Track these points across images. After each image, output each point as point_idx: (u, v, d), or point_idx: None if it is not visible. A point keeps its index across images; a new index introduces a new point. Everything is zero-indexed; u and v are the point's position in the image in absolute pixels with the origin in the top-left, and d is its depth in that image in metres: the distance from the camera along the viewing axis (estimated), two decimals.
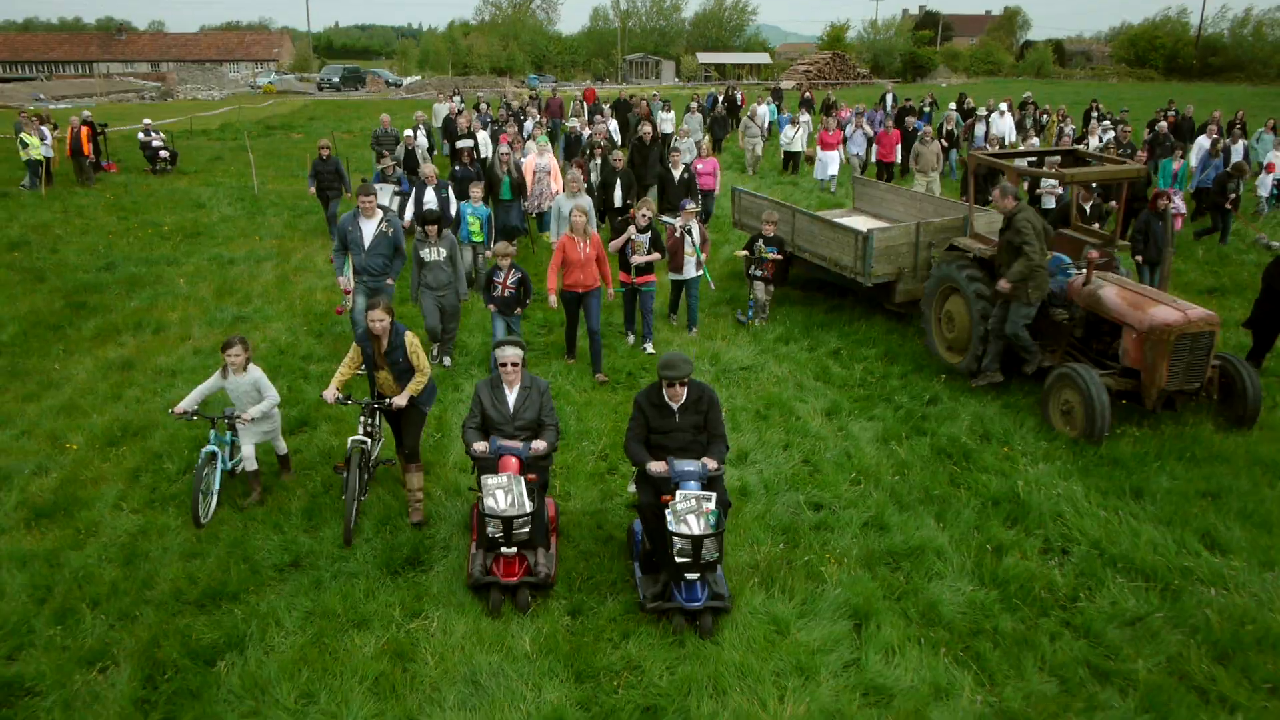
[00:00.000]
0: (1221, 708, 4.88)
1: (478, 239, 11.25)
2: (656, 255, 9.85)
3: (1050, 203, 12.55)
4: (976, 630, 5.53)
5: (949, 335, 9.42)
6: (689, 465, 5.63)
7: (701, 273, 10.44)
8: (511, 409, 6.03)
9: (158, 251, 14.41)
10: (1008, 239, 8.29)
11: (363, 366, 6.83)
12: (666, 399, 5.80)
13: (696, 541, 5.37)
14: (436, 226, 9.13)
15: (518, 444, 5.84)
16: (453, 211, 11.88)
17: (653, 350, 10.06)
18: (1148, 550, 6.17)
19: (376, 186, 13.55)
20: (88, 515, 6.80)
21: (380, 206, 9.23)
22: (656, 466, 5.66)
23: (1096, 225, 10.88)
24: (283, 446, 7.32)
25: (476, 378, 9.41)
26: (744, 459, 7.68)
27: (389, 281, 9.20)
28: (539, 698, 4.99)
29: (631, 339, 10.41)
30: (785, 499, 7.03)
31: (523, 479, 5.60)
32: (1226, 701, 4.91)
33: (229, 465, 7.07)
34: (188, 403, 6.81)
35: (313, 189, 14.84)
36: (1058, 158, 9.65)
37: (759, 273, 10.78)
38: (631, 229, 9.72)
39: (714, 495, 5.44)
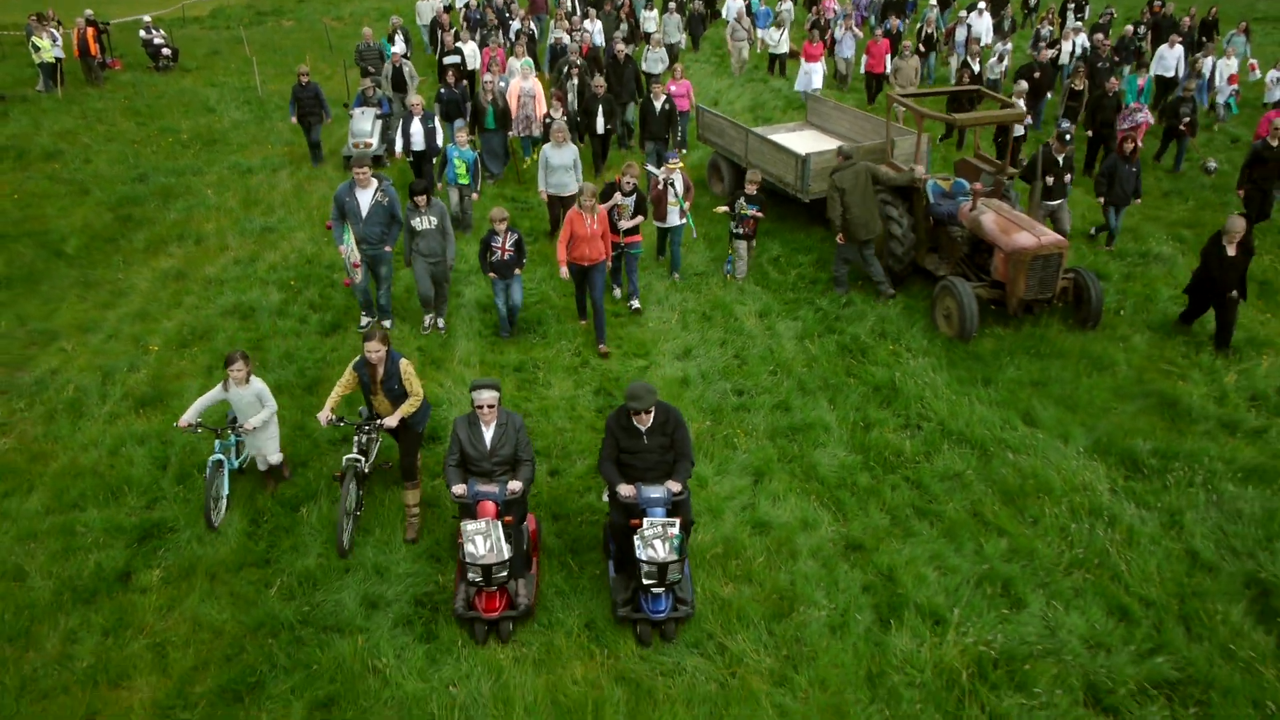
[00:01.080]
0: (996, 533, 7.07)
1: (464, 181, 12.09)
2: (641, 218, 10.29)
3: (1018, 130, 13.94)
4: (841, 484, 7.68)
5: None
6: (655, 492, 6.10)
7: (685, 221, 11.09)
8: (489, 446, 6.33)
9: (182, 161, 15.96)
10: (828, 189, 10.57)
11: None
12: (635, 423, 6.26)
13: (662, 566, 5.92)
14: (426, 197, 9.41)
15: (494, 488, 6.18)
16: (439, 141, 13.07)
17: (638, 305, 10.60)
18: (979, 425, 8.28)
19: (357, 111, 14.79)
20: (179, 404, 8.81)
21: (376, 177, 9.58)
22: (626, 490, 6.13)
23: (1069, 176, 11.50)
24: (277, 457, 7.56)
25: (471, 317, 11.27)
26: (688, 354, 9.70)
27: (387, 249, 9.66)
28: None
29: (618, 292, 10.96)
30: (716, 386, 9.09)
31: (500, 523, 5.96)
32: (1000, 529, 7.10)
33: (236, 465, 7.59)
34: (190, 415, 7.15)
35: (294, 117, 15.22)
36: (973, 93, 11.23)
37: (739, 230, 11.09)
38: (618, 194, 10.13)
39: (678, 521, 5.95)
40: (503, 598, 6.14)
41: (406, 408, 6.94)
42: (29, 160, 15.93)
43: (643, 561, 5.89)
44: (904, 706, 5.66)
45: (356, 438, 7.23)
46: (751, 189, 10.93)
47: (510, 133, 14.30)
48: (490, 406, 6.28)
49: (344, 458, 7.05)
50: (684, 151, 10.93)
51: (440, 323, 10.19)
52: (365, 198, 9.44)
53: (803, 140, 13.53)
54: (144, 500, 7.51)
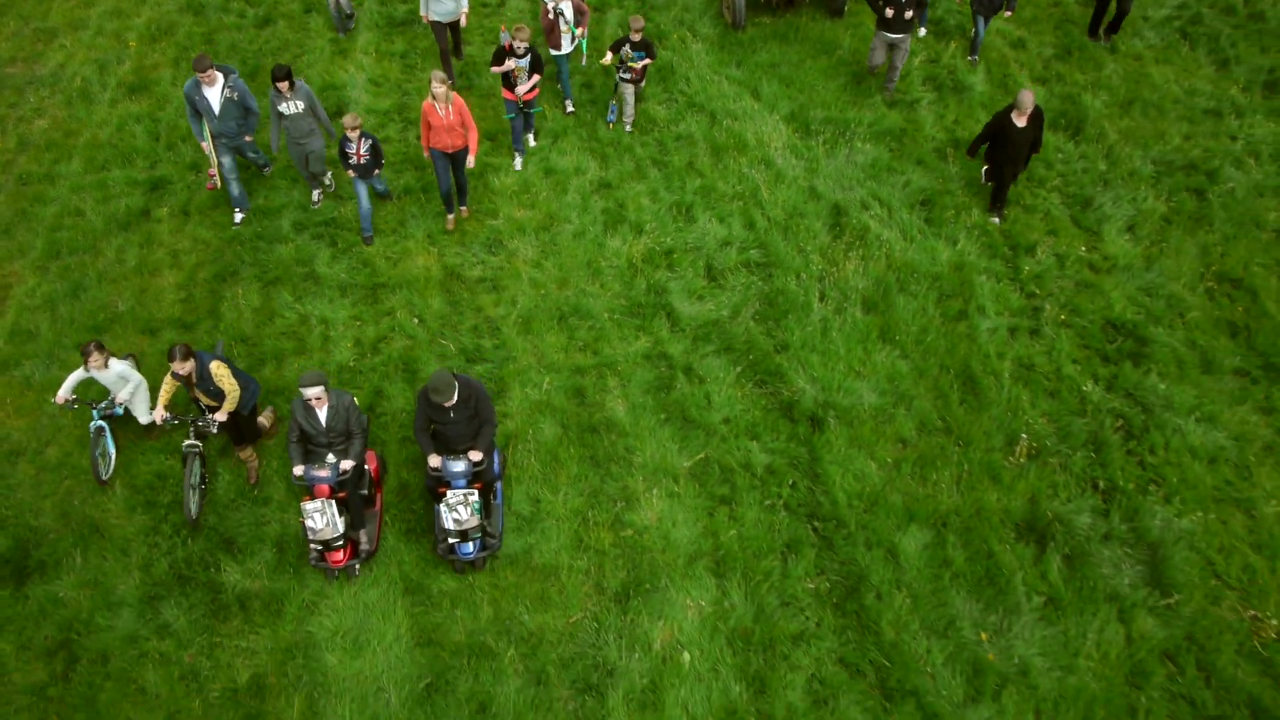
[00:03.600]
0: (697, 175, 10.86)
1: None
2: (538, 76, 10.43)
3: None
4: (610, 143, 11.32)
5: None
6: (458, 465, 7.02)
7: (578, 44, 11.32)
8: (324, 425, 7.17)
9: None
10: None
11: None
12: (442, 402, 7.05)
13: (463, 531, 7.05)
14: (289, 81, 9.41)
15: (325, 472, 7.02)
16: None
17: (534, 142, 11.23)
18: (717, 98, 11.72)
19: None
20: (159, 90, 12.31)
21: (220, 68, 9.55)
22: (434, 461, 7.09)
23: (910, 14, 10.86)
24: (146, 419, 8.29)
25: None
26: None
27: (248, 138, 10.04)
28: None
29: (519, 162, 11.05)
30: (547, 73, 12.38)
31: (334, 502, 6.97)
32: (700, 173, 10.89)
33: (120, 412, 8.26)
34: (64, 392, 7.88)
35: None
36: None
37: (627, 75, 11.03)
38: (510, 60, 10.22)
39: (475, 492, 6.99)
40: (347, 549, 7.24)
41: (227, 407, 7.65)
42: None
43: (446, 528, 7.04)
44: (601, 278, 9.91)
45: (191, 430, 7.95)
46: (636, 36, 10.71)
47: None
48: (318, 398, 7.05)
49: (183, 444, 7.97)
50: None
51: (316, 195, 10.59)
52: (214, 94, 9.57)
53: None
54: (148, 162, 11.34)
